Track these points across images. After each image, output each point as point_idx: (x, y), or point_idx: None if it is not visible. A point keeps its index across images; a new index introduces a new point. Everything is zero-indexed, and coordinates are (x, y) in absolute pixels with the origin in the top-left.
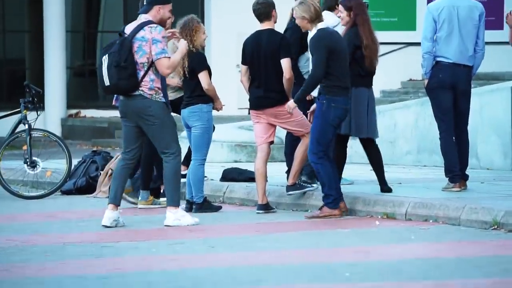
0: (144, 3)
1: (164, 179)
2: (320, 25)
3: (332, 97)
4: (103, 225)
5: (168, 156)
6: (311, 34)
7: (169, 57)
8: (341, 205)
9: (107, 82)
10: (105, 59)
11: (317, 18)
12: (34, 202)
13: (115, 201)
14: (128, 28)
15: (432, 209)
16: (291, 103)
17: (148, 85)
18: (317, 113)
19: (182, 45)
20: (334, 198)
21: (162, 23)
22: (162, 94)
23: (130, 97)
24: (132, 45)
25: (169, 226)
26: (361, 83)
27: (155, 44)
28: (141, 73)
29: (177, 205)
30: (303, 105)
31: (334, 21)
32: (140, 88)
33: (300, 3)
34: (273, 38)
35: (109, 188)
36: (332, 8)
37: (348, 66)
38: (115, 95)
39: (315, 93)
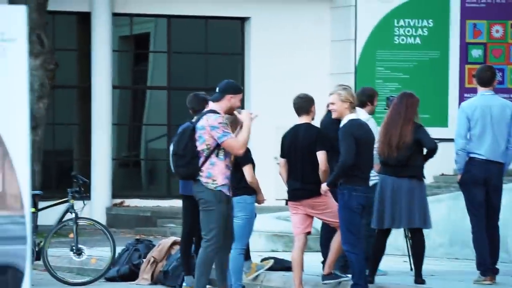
0: (216, 90)
1: (196, 264)
2: (352, 116)
3: (353, 186)
4: None
5: (205, 242)
6: (342, 123)
7: (233, 137)
8: None
9: (172, 169)
10: (171, 147)
11: (355, 106)
12: None
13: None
14: None
15: None
16: (324, 185)
17: (206, 173)
18: (340, 204)
19: (246, 119)
20: None
21: (230, 111)
22: (220, 183)
23: (193, 181)
24: (194, 134)
25: None
26: (383, 171)
27: (214, 130)
28: (201, 160)
29: None
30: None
31: (366, 118)
32: (200, 174)
33: (344, 88)
34: (310, 132)
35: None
36: (364, 104)
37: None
38: None
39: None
